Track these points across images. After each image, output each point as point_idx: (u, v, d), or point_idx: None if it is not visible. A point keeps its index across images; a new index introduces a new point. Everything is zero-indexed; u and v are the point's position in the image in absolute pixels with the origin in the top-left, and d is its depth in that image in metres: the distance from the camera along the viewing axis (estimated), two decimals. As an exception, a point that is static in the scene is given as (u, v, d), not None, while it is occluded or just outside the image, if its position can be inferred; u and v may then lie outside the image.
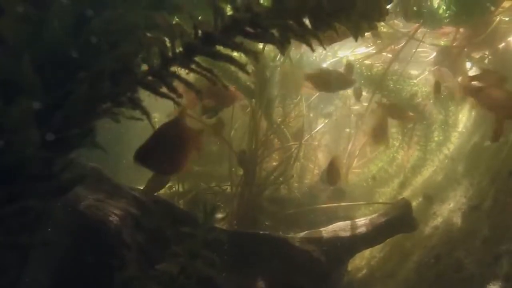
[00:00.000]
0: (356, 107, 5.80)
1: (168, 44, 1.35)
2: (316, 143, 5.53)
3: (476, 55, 4.31)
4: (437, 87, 3.90)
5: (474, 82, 3.08)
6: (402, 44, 4.30)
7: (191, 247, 2.00)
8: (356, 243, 3.27)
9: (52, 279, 2.11)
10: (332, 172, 3.67)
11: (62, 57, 1.13)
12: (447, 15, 3.73)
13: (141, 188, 3.14)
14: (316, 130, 5.13)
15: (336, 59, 4.85)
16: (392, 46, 4.59)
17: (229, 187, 4.11)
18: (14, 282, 1.19)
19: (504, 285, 2.33)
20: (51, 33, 1.08)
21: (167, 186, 4.36)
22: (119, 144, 4.22)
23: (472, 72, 4.38)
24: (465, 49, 4.17)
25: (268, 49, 3.87)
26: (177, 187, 4.20)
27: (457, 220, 3.32)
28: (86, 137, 1.26)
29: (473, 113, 4.54)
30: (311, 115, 5.32)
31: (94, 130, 1.26)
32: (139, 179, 4.41)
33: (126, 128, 4.16)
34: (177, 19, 1.75)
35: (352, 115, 5.57)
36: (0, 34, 1.01)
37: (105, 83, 1.19)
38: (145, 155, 1.93)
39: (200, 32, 1.38)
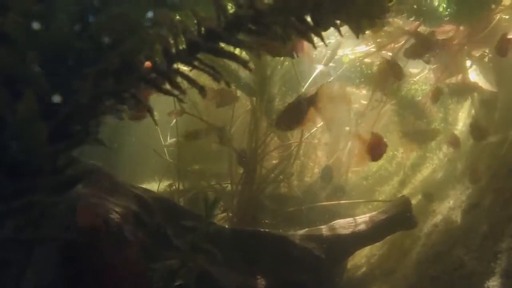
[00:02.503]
0: (356, 105, 5.81)
1: (171, 41, 1.36)
2: (316, 141, 5.54)
3: (476, 53, 4.32)
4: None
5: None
6: (402, 42, 4.30)
7: (192, 240, 2.00)
8: (356, 240, 3.28)
9: (54, 275, 2.12)
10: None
11: (66, 53, 1.13)
12: (447, 13, 3.74)
13: (141, 185, 3.15)
14: (315, 128, 5.12)
15: (336, 57, 4.84)
16: (392, 44, 4.59)
17: (229, 185, 4.12)
18: (19, 276, 1.20)
19: (504, 282, 2.34)
20: (56, 30, 1.08)
21: (167, 184, 4.38)
22: (119, 141, 4.23)
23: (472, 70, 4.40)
24: (465, 47, 4.18)
25: (268, 47, 3.87)
26: (177, 185, 4.22)
27: (457, 217, 3.33)
28: (89, 133, 1.26)
29: (472, 111, 4.56)
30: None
31: (98, 126, 1.27)
32: (139, 176, 4.43)
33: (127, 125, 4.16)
34: (178, 17, 1.76)
35: (352, 114, 5.57)
36: (5, 31, 1.02)
37: (109, 80, 1.20)
38: None
39: (203, 29, 1.39)
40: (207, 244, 2.01)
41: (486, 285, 2.42)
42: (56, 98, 1.15)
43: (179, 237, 2.13)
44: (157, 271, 1.96)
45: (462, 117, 4.77)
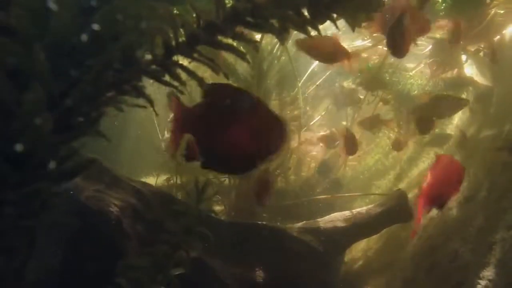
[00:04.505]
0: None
1: (171, 34, 1.38)
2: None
3: (472, 48, 4.34)
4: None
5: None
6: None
7: (185, 223, 1.99)
8: (353, 233, 3.31)
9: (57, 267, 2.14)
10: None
11: (69, 46, 1.15)
12: (443, 8, 3.76)
13: (140, 179, 3.17)
14: (312, 122, 5.15)
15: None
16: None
17: (227, 179, 4.14)
18: (22, 265, 1.22)
19: (498, 272, 2.37)
20: (59, 23, 1.10)
21: (165, 178, 4.39)
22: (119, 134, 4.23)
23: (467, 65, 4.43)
24: (461, 42, 4.20)
25: (265, 42, 3.89)
26: (175, 179, 4.23)
27: (453, 210, 3.36)
28: (91, 125, 1.28)
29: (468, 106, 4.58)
30: (308, 108, 5.34)
31: (100, 118, 1.29)
32: (137, 170, 4.44)
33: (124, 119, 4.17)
34: (178, 10, 1.77)
35: (349, 108, 5.59)
36: (10, 24, 1.04)
37: (110, 72, 1.22)
38: None
39: (202, 21, 1.41)
40: (199, 227, 2.00)
41: (481, 275, 2.45)
42: (59, 90, 1.17)
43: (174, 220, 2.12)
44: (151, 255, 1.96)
45: (458, 112, 4.79)
